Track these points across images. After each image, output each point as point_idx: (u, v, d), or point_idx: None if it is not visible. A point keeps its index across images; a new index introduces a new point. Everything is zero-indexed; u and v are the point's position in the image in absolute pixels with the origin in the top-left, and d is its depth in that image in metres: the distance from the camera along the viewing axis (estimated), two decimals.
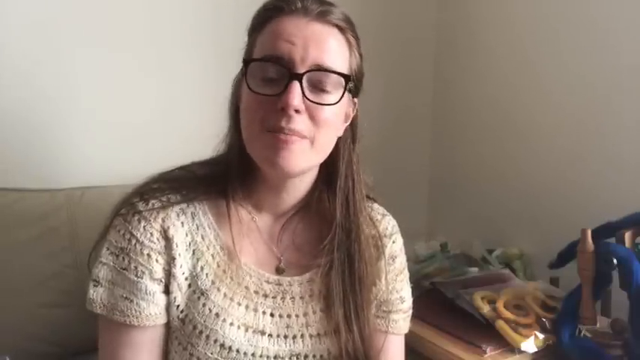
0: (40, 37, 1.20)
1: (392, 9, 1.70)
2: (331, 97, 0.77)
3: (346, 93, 0.79)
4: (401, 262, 0.94)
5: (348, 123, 0.84)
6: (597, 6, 1.40)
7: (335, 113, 0.79)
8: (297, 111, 0.74)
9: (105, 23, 1.26)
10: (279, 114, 0.74)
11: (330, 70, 0.76)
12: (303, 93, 0.75)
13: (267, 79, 0.76)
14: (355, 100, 0.85)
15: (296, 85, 0.74)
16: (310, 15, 0.77)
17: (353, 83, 0.81)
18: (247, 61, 0.78)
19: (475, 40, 1.70)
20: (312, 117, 0.76)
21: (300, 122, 0.75)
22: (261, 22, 0.79)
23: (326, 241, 0.85)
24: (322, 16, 0.77)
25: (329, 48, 0.77)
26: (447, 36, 1.78)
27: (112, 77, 1.28)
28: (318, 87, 0.76)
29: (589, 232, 1.17)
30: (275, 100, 0.74)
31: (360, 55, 0.83)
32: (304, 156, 0.78)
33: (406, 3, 1.73)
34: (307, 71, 0.75)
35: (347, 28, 0.80)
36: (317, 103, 0.76)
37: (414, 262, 1.47)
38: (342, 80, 0.78)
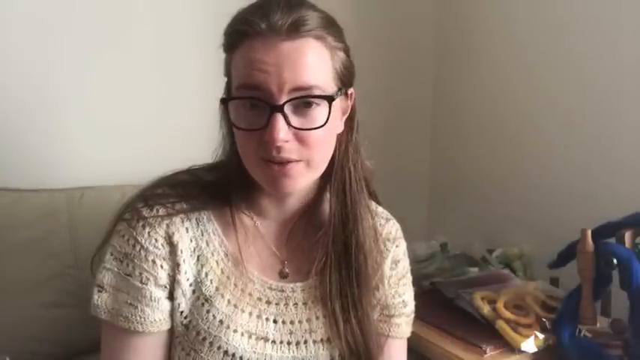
0: (40, 38, 1.19)
1: (392, 10, 1.69)
2: (319, 113, 0.74)
3: (335, 100, 0.75)
4: (404, 266, 0.94)
5: (346, 116, 0.82)
6: (597, 7, 1.40)
7: (325, 130, 0.75)
8: (285, 141, 0.72)
9: (105, 24, 1.26)
10: (268, 145, 0.72)
11: (312, 91, 0.72)
12: (288, 122, 0.72)
13: (248, 109, 0.73)
14: (350, 91, 0.81)
15: (278, 117, 0.71)
16: (280, 33, 0.71)
17: (343, 87, 0.78)
18: (225, 100, 0.75)
19: (475, 41, 1.70)
20: (302, 141, 0.74)
21: (290, 149, 0.73)
22: (230, 47, 0.76)
23: (320, 232, 0.84)
24: (295, 31, 0.71)
25: (306, 65, 0.72)
26: (447, 37, 1.78)
27: (111, 77, 1.28)
28: (302, 106, 0.73)
29: (589, 232, 1.17)
30: (262, 132, 0.72)
31: (345, 50, 0.78)
32: (303, 177, 0.77)
33: (406, 4, 1.73)
34: (287, 101, 0.71)
35: (324, 33, 0.74)
36: (304, 129, 0.73)
37: (414, 262, 1.47)
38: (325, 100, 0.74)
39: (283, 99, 0.71)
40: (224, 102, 0.76)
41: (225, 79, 0.80)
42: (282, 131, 0.71)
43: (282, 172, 0.74)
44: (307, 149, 0.74)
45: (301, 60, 0.72)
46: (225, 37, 0.77)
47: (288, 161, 0.74)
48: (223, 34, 0.78)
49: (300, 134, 0.73)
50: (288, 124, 0.72)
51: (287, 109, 0.72)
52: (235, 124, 0.74)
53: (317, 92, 0.73)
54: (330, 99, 0.74)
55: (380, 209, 0.94)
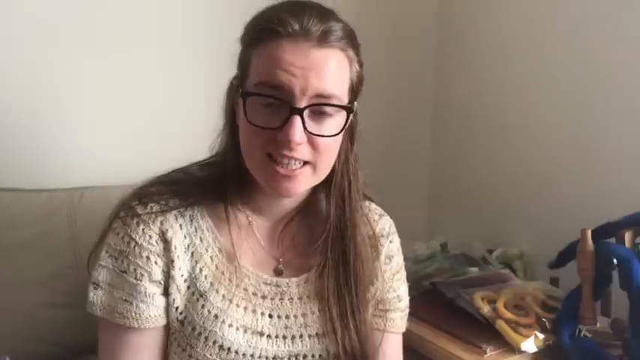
0: (40, 37, 1.20)
1: (392, 10, 1.70)
2: (333, 123, 0.76)
3: (353, 112, 0.78)
4: (398, 261, 0.94)
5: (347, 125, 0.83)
6: (598, 6, 1.39)
7: (337, 138, 0.78)
8: (298, 143, 0.74)
9: (105, 24, 1.26)
10: (280, 143, 0.74)
11: (331, 100, 0.75)
12: (304, 126, 0.73)
13: (265, 107, 0.74)
14: (354, 103, 0.83)
15: (297, 119, 0.72)
16: (311, 39, 0.73)
17: (354, 99, 0.80)
18: (244, 94, 0.76)
19: (476, 41, 1.70)
20: (314, 146, 0.76)
21: (301, 151, 0.75)
22: (255, 42, 0.76)
23: (319, 241, 0.85)
24: (324, 40, 0.74)
25: (330, 74, 0.74)
26: (448, 36, 1.78)
27: (111, 77, 1.28)
28: (318, 113, 0.75)
29: (589, 232, 1.17)
30: (275, 131, 0.73)
31: (360, 63, 0.81)
32: (307, 181, 0.78)
33: (406, 4, 1.73)
34: (308, 106, 0.73)
35: (348, 45, 0.77)
36: (318, 135, 0.75)
37: (414, 262, 1.47)
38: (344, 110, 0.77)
39: (304, 103, 0.73)
40: (243, 96, 0.76)
41: (238, 72, 0.81)
42: (298, 133, 0.73)
43: (289, 176, 0.75)
44: (317, 154, 0.76)
45: (327, 68, 0.74)
46: (250, 30, 0.78)
47: (296, 163, 0.75)
48: (248, 27, 0.79)
49: (312, 139, 0.75)
50: (305, 128, 0.74)
51: (305, 113, 0.73)
52: (250, 121, 0.75)
53: (335, 102, 0.75)
54: (349, 110, 0.77)
55: (373, 206, 0.95)
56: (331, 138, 0.76)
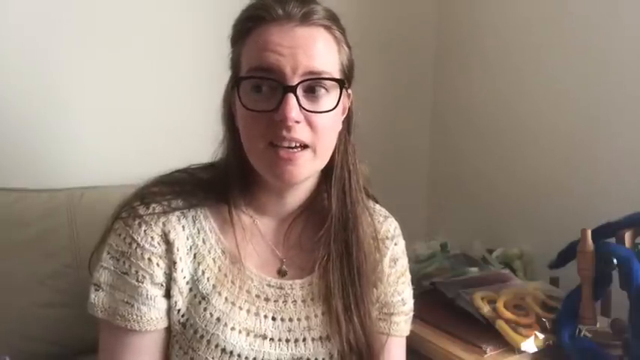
0: (41, 37, 1.20)
1: (392, 9, 1.70)
2: (328, 100, 0.77)
3: (345, 85, 0.79)
4: (402, 264, 0.94)
5: (344, 115, 0.84)
6: (599, 7, 1.39)
7: (333, 116, 0.78)
8: (296, 122, 0.74)
9: (106, 23, 1.26)
10: (278, 125, 0.74)
11: (323, 76, 0.76)
12: (299, 104, 0.74)
13: (259, 92, 0.75)
14: (349, 91, 0.84)
15: (291, 97, 0.73)
16: (294, 19, 0.75)
17: (346, 82, 0.81)
18: (237, 79, 0.77)
19: (475, 40, 1.70)
20: (311, 125, 0.76)
21: (300, 131, 0.75)
22: (243, 33, 0.78)
23: (321, 232, 0.85)
24: (306, 19, 0.75)
25: (318, 51, 0.75)
26: (447, 35, 1.78)
27: (112, 77, 1.28)
28: (313, 92, 0.76)
29: (589, 232, 1.17)
30: (272, 114, 0.74)
31: (349, 46, 0.82)
32: (308, 165, 0.78)
33: (406, 3, 1.73)
34: (300, 82, 0.74)
35: (332, 25, 0.78)
36: (314, 112, 0.76)
37: (414, 262, 1.47)
38: (337, 83, 0.77)
39: (296, 80, 0.74)
40: (237, 82, 0.77)
41: (231, 72, 0.82)
42: (294, 110, 0.73)
43: (290, 159, 0.75)
44: (315, 134, 0.76)
45: (314, 46, 0.75)
46: (237, 25, 0.80)
47: (297, 145, 0.75)
48: (235, 24, 0.80)
49: (309, 118, 0.76)
50: (300, 105, 0.74)
51: (298, 91, 0.74)
52: (245, 106, 0.75)
53: (327, 77, 0.76)
54: (341, 82, 0.78)
55: (378, 207, 0.95)
56: (328, 116, 0.77)
